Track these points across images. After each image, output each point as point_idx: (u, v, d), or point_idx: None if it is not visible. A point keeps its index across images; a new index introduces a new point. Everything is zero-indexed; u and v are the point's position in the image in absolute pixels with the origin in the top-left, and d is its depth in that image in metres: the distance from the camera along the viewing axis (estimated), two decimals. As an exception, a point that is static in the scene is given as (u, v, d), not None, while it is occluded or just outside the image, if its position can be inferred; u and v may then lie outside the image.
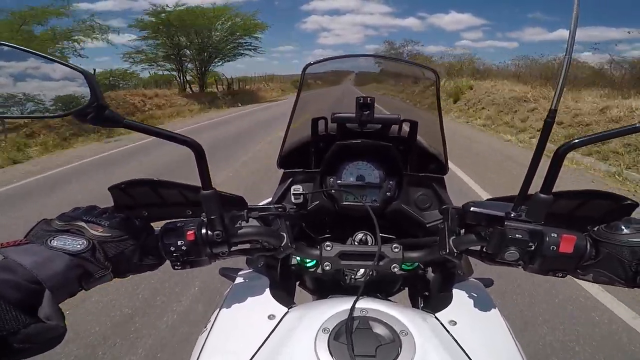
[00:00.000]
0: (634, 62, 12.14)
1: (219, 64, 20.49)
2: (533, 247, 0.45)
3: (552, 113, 0.40)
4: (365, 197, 0.77)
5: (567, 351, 1.66)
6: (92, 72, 0.39)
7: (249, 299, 0.59)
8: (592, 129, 6.35)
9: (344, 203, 0.75)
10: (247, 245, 0.57)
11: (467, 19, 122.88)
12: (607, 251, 0.46)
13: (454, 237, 0.53)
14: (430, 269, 0.74)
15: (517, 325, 1.80)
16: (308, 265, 0.72)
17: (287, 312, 0.54)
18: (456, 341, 0.48)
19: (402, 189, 0.77)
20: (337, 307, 0.50)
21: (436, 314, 0.54)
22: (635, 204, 0.51)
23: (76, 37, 12.38)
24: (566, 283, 2.08)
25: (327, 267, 0.60)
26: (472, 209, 0.51)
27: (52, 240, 0.42)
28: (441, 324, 0.52)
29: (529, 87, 10.50)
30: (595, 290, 2.11)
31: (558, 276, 0.49)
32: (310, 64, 0.80)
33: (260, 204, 0.68)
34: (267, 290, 0.60)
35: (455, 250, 0.52)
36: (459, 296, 0.59)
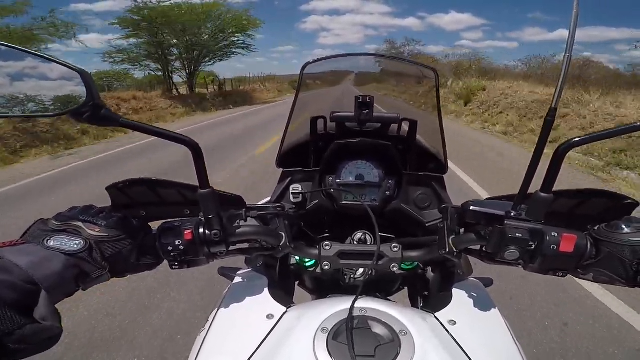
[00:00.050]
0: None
1: (210, 63, 19.10)
2: (533, 246, 0.45)
3: (552, 111, 0.40)
4: (364, 197, 0.77)
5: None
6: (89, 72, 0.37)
7: (248, 298, 0.59)
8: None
9: (343, 202, 0.75)
10: (245, 245, 0.56)
11: (467, 19, 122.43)
12: (607, 250, 0.45)
13: (453, 236, 0.53)
14: (429, 269, 0.74)
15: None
16: (307, 265, 0.72)
17: (286, 311, 0.54)
18: (456, 341, 0.48)
19: (402, 188, 0.77)
20: (336, 307, 0.49)
21: (436, 314, 0.54)
22: (636, 202, 0.51)
23: (41, 36, 10.70)
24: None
25: (326, 267, 0.60)
26: (471, 207, 0.50)
27: (49, 240, 0.42)
28: (441, 323, 0.51)
29: (552, 88, 9.31)
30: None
31: (558, 275, 0.48)
32: (309, 63, 0.79)
33: (259, 203, 0.66)
34: (266, 290, 0.59)
35: (454, 250, 0.52)
36: (459, 296, 0.58)
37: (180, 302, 2.06)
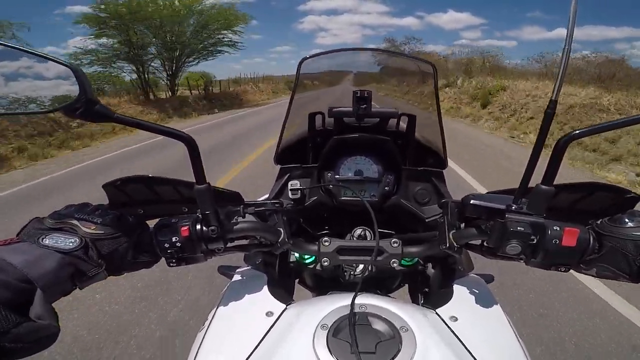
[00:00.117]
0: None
1: (194, 63, 17.07)
2: (535, 240, 0.44)
3: (553, 104, 0.39)
4: (363, 192, 0.76)
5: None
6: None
7: (247, 296, 0.58)
8: None
9: (342, 198, 0.74)
10: (243, 242, 0.56)
11: (466, 18, 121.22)
12: (610, 245, 0.45)
13: (454, 231, 0.52)
14: (430, 265, 0.73)
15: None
16: (307, 261, 0.72)
17: (285, 308, 0.54)
18: (457, 337, 0.47)
19: (401, 184, 0.76)
20: (335, 303, 0.49)
21: (437, 310, 0.53)
22: (639, 196, 0.50)
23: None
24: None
25: (326, 263, 0.59)
26: (472, 202, 0.49)
27: (44, 239, 0.41)
28: (442, 319, 0.51)
29: (593, 89, 7.70)
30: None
31: (561, 270, 0.48)
32: (305, 58, 0.78)
33: (257, 200, 0.66)
34: (265, 288, 0.59)
35: (455, 245, 0.51)
36: (460, 292, 0.57)
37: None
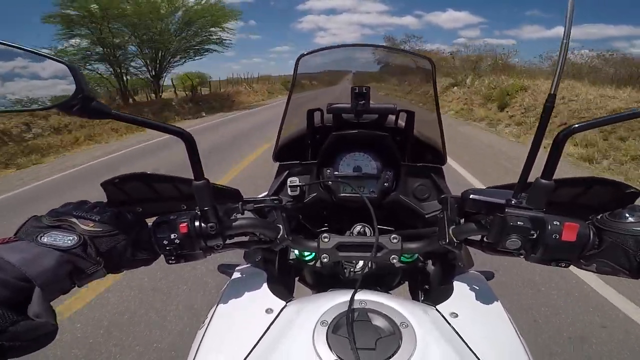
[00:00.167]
0: None
1: (179, 62, 15.85)
2: (535, 235, 0.44)
3: (552, 97, 0.39)
4: (362, 189, 0.76)
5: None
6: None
7: (247, 293, 0.58)
8: None
9: (341, 194, 0.74)
10: (243, 238, 0.56)
11: (465, 16, 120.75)
12: (610, 240, 0.45)
13: (453, 226, 0.52)
14: (430, 262, 0.73)
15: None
16: (307, 259, 0.72)
17: (285, 306, 0.54)
18: (458, 333, 0.47)
19: (400, 180, 0.76)
20: (335, 300, 0.49)
21: (437, 306, 0.53)
22: (639, 192, 0.50)
23: None
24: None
25: (325, 260, 0.59)
26: (471, 196, 0.49)
27: (42, 237, 0.41)
28: (442, 316, 0.51)
29: (630, 90, 6.58)
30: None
31: (561, 266, 0.47)
32: (303, 55, 0.78)
33: (257, 197, 0.66)
34: (265, 285, 0.59)
35: (455, 240, 0.51)
36: (460, 288, 0.57)
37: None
